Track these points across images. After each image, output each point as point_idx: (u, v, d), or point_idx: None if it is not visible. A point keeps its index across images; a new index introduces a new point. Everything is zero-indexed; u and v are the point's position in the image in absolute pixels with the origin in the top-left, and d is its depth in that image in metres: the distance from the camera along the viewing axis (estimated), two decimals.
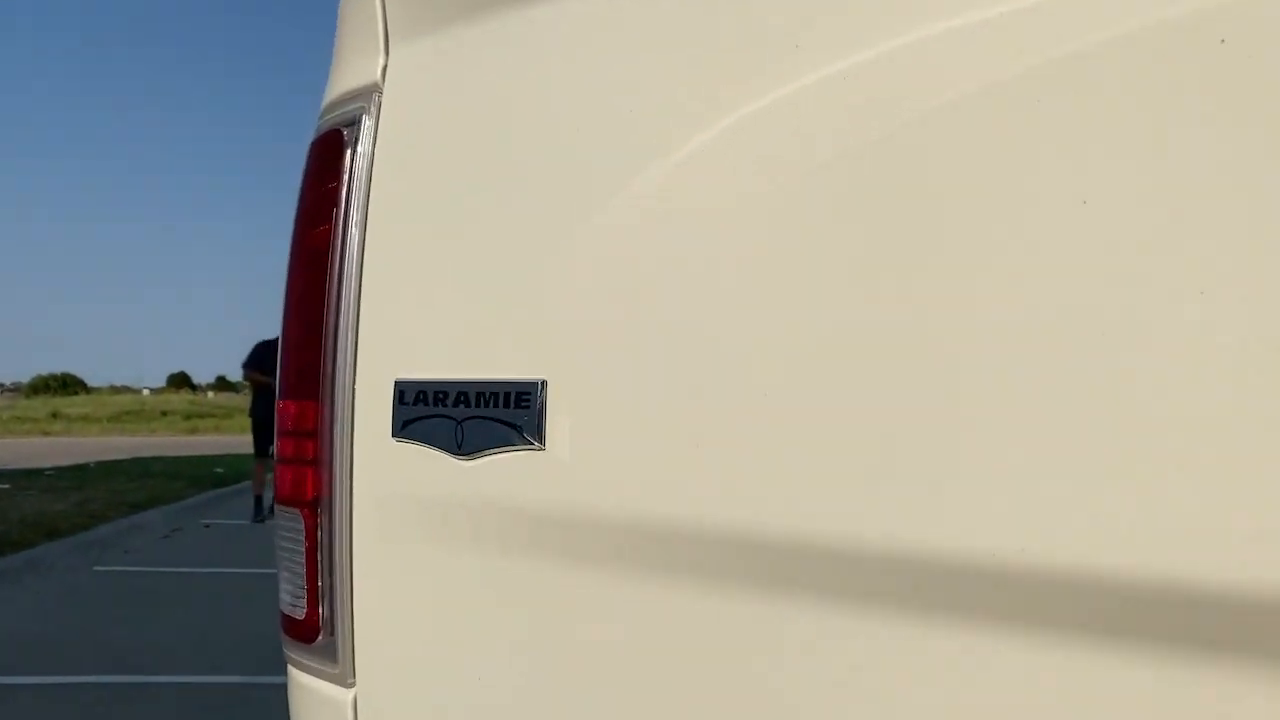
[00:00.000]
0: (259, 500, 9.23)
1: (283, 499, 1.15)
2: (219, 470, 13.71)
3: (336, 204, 1.12)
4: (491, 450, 0.94)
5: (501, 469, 0.94)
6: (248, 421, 9.44)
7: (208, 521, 9.46)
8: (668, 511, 0.83)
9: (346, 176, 1.12)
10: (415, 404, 1.01)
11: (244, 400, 22.95)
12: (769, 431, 0.78)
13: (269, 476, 9.14)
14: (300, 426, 1.14)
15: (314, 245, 1.14)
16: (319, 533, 1.10)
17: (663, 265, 0.85)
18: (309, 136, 1.20)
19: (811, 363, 0.76)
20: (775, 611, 0.78)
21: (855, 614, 0.74)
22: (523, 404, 0.92)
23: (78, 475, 12.64)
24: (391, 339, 1.07)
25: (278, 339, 1.20)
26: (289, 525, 1.14)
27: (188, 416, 39.86)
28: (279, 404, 1.18)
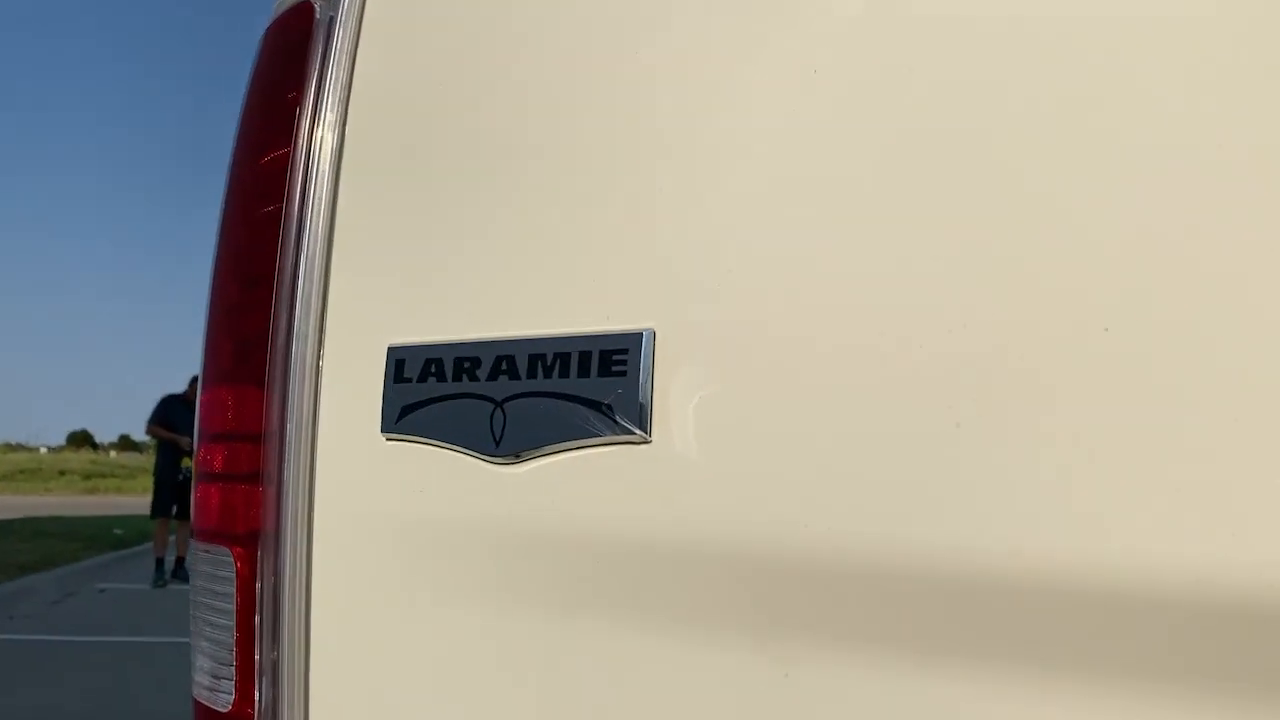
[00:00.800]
0: (160, 563, 8.64)
1: (205, 531, 0.78)
2: (118, 531, 12.88)
3: (301, 107, 0.78)
4: (556, 447, 0.60)
5: (575, 476, 0.59)
6: (150, 481, 8.83)
7: (103, 586, 8.77)
8: (874, 540, 0.49)
9: (317, 69, 0.78)
10: (423, 380, 0.66)
11: (148, 460, 21.99)
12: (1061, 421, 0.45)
13: (172, 538, 8.54)
14: (236, 426, 0.78)
15: (265, 170, 0.80)
16: (259, 581, 0.74)
17: (867, 136, 0.53)
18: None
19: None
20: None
21: None
22: (613, 369, 0.58)
23: None
24: (379, 288, 0.73)
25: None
26: (212, 571, 0.77)
27: (87, 476, 38.05)
28: (203, 395, 0.82)
